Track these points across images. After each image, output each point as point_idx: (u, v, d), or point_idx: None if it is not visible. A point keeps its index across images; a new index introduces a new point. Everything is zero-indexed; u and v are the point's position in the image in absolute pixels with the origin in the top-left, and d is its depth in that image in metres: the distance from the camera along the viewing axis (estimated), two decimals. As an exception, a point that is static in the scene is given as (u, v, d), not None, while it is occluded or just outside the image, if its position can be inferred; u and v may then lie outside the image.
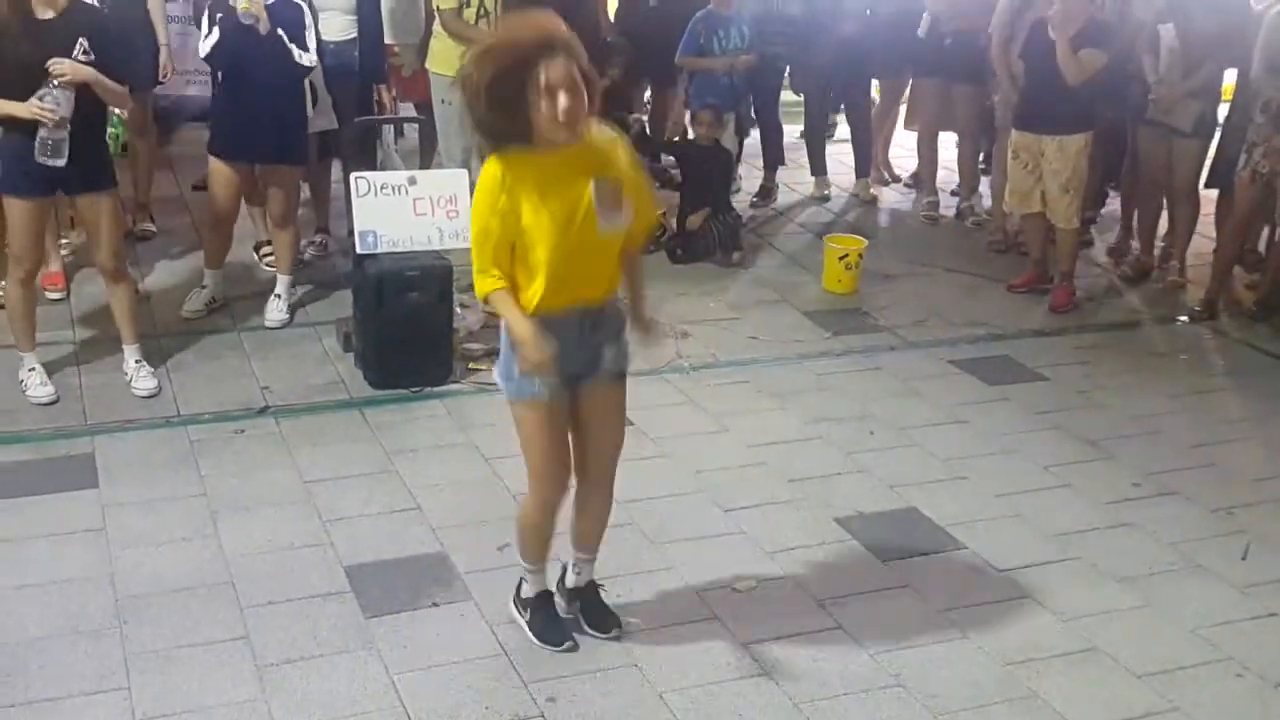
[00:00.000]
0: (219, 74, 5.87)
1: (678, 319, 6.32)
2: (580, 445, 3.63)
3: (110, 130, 5.86)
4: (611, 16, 8.48)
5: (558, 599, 3.88)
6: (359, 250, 5.45)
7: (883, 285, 6.94)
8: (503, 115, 3.18)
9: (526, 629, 3.79)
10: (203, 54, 5.78)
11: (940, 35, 7.62)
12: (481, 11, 6.61)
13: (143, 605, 3.90)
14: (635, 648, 3.79)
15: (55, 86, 4.76)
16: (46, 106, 4.74)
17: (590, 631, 3.84)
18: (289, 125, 5.92)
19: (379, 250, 5.40)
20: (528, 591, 3.80)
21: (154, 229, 7.13)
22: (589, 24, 7.73)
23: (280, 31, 5.63)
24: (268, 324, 6.01)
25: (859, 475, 4.90)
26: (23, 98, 4.76)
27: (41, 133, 4.80)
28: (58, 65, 4.75)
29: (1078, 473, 4.97)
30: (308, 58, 5.77)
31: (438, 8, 6.62)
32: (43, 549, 4.19)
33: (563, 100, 3.13)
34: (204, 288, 6.18)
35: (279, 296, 6.11)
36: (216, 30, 5.63)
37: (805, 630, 3.91)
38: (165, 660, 3.66)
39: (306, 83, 6.00)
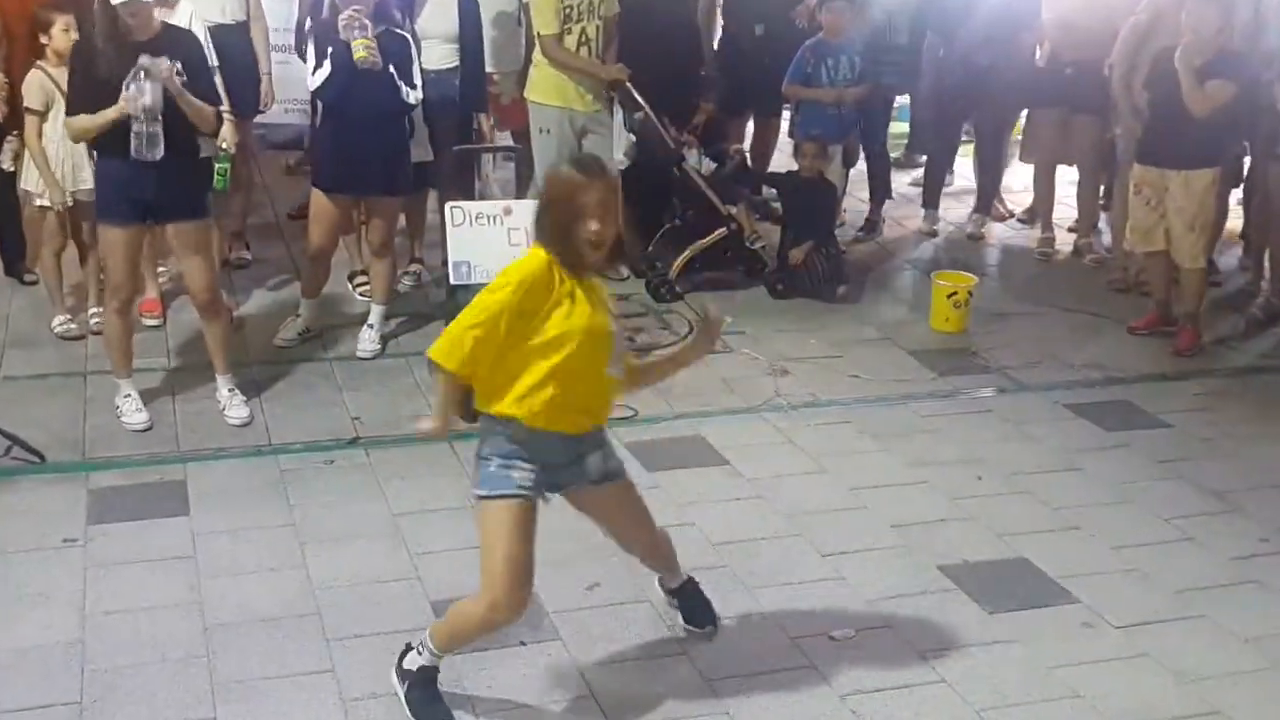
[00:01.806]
0: (322, 107, 6.00)
1: (777, 356, 6.34)
2: (611, 535, 3.85)
3: (218, 165, 6.03)
4: (716, 44, 8.55)
5: (657, 587, 4.07)
6: (453, 281, 5.57)
7: (994, 325, 6.87)
8: (556, 239, 3.38)
9: (403, 703, 3.64)
10: (312, 87, 5.88)
11: (1061, 65, 7.55)
12: (583, 39, 6.72)
13: (230, 634, 4.01)
14: (728, 696, 3.78)
15: (140, 78, 4.88)
16: (129, 96, 4.88)
17: (686, 625, 4.00)
18: (395, 156, 6.04)
19: (473, 281, 5.51)
20: (412, 664, 3.65)
21: (250, 257, 7.34)
22: (691, 54, 7.83)
23: (392, 69, 5.74)
24: (360, 354, 6.14)
25: (965, 522, 4.85)
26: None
27: (134, 128, 4.94)
28: (145, 58, 4.89)
29: (1201, 526, 4.86)
30: (414, 95, 5.90)
31: (538, 34, 6.74)
32: (133, 575, 4.33)
33: (594, 223, 3.33)
34: (298, 316, 6.33)
35: (372, 327, 6.23)
36: (329, 64, 5.73)
37: (906, 684, 3.87)
38: (251, 691, 3.75)
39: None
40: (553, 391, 3.38)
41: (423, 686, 3.66)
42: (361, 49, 5.61)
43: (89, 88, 5.01)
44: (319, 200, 6.07)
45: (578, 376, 3.40)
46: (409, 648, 3.69)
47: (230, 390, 5.52)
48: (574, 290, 3.38)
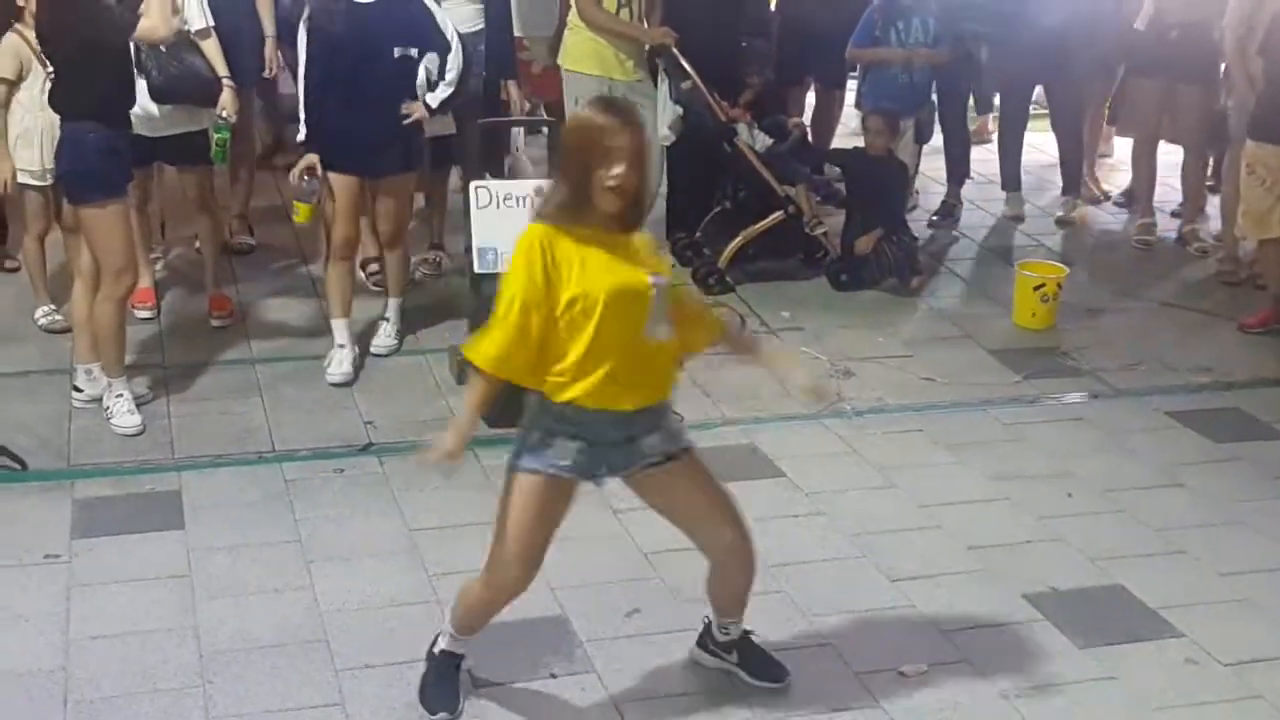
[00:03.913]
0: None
1: (840, 355, 6.31)
2: (693, 534, 3.77)
3: (216, 136, 6.08)
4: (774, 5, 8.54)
5: (700, 654, 4.01)
6: (477, 269, 5.57)
7: (1086, 321, 6.84)
8: (572, 186, 3.42)
9: (420, 679, 3.86)
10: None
11: (1165, 27, 7.48)
12: (623, 0, 6.72)
13: (228, 663, 4.03)
14: (783, 736, 3.78)
15: None
16: None
17: (753, 682, 3.93)
18: (404, 129, 5.92)
19: (499, 270, 5.48)
20: (439, 646, 3.84)
21: (253, 241, 7.39)
22: (747, 16, 7.81)
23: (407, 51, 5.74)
24: (374, 351, 6.15)
25: (1053, 545, 4.82)
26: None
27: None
28: None
29: (1323, 551, 4.82)
30: (449, 81, 5.89)
31: (574, -8, 6.75)
32: (122, 595, 4.36)
33: (617, 168, 3.35)
34: (342, 347, 6.00)
35: (387, 320, 6.24)
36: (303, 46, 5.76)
37: (986, 726, 3.85)
38: (251, 726, 3.77)
39: (423, 78, 6.10)
40: (593, 368, 3.42)
41: (440, 672, 3.82)
42: (299, 214, 5.89)
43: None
44: (334, 181, 5.92)
45: (614, 346, 3.42)
46: (439, 635, 3.86)
47: (119, 396, 5.44)
48: (585, 255, 3.40)
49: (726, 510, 3.73)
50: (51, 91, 5.31)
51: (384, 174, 6.01)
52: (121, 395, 5.45)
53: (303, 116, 5.83)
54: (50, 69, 5.38)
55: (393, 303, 6.29)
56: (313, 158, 5.75)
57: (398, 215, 6.15)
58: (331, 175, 5.91)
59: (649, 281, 3.46)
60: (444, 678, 3.82)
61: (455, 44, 5.92)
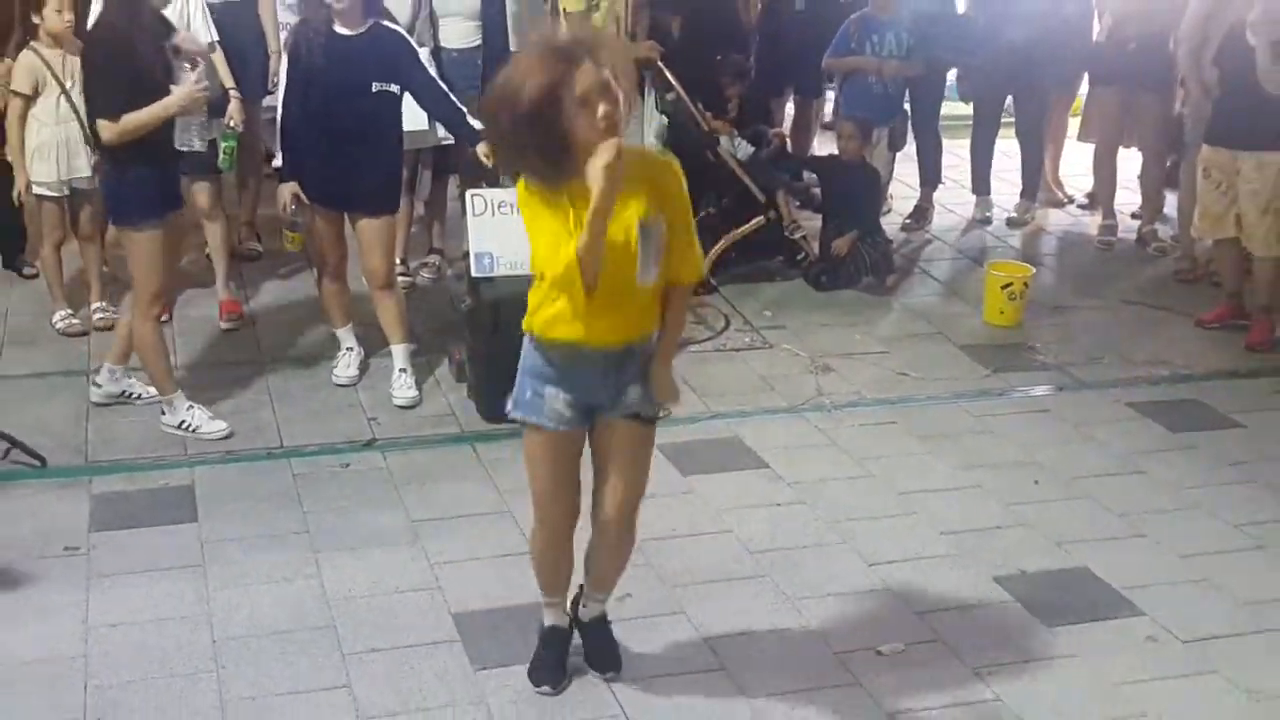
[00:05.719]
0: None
1: (819, 352, 6.34)
2: (596, 485, 3.71)
3: (224, 144, 6.07)
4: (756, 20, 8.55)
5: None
6: (474, 273, 5.57)
7: (1051, 318, 6.86)
8: (548, 147, 3.16)
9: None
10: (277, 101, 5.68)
11: (1124, 39, 7.51)
12: (612, 16, 6.74)
13: (240, 648, 4.04)
14: (768, 716, 3.79)
15: (198, 62, 5.26)
16: (198, 86, 5.11)
17: (585, 666, 3.93)
18: (381, 165, 5.69)
19: (495, 273, 5.52)
20: (542, 619, 3.90)
21: (260, 249, 7.38)
22: (729, 32, 7.84)
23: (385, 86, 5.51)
24: (398, 403, 5.69)
25: (1021, 529, 4.83)
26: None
27: (181, 121, 5.38)
28: (189, 42, 5.27)
29: (1275, 533, 4.83)
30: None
31: (564, 11, 6.76)
32: (139, 585, 4.37)
33: (601, 107, 3.12)
34: (350, 350, 5.95)
35: (404, 371, 5.77)
36: (283, 73, 5.57)
37: (960, 702, 3.86)
38: (262, 709, 3.78)
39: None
40: (577, 312, 3.32)
41: (544, 646, 3.89)
42: (291, 242, 5.85)
43: (130, 80, 4.91)
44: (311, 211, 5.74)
45: (604, 291, 3.28)
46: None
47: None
48: (575, 204, 3.22)
49: (629, 490, 3.64)
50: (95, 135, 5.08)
51: (358, 211, 5.66)
52: (192, 408, 5.36)
53: (279, 143, 5.63)
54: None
55: (400, 350, 5.79)
56: (293, 186, 5.56)
57: (381, 252, 5.72)
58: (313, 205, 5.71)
59: (634, 232, 3.27)
60: (545, 652, 3.87)
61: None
